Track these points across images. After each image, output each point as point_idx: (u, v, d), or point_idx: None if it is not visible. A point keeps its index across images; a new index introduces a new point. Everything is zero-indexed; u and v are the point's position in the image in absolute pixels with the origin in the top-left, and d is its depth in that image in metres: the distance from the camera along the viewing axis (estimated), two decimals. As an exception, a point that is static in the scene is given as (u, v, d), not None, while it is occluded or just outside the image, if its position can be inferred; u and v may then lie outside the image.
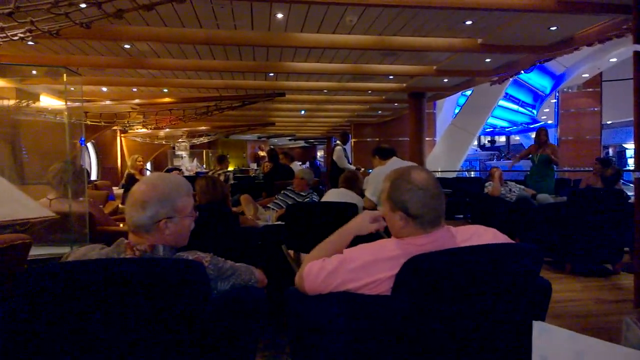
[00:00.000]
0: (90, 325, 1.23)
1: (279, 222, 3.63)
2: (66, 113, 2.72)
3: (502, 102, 19.70)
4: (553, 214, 4.72)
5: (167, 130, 12.26)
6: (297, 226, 3.26)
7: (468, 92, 14.56)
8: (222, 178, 6.55)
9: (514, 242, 1.41)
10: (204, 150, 18.29)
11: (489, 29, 5.48)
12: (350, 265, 1.30)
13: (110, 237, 1.53)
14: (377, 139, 14.22)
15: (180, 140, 14.75)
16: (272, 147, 18.36)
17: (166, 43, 5.76)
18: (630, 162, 18.68)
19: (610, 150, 22.20)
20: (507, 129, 27.49)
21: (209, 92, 9.18)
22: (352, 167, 8.23)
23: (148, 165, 14.28)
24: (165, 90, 9.06)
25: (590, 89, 13.43)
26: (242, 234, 2.86)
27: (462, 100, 16.35)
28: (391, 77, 8.16)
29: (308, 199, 4.38)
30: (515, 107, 22.02)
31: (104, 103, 8.49)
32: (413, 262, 1.22)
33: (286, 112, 12.66)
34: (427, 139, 10.28)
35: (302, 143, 25.64)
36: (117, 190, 7.64)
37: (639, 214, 3.45)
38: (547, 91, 17.85)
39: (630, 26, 4.21)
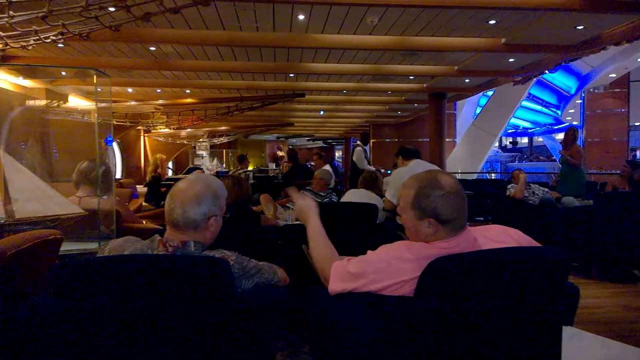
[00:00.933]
0: (123, 318, 1.27)
1: (298, 222, 3.66)
2: (95, 113, 2.80)
3: (525, 103, 19.34)
4: (578, 218, 4.62)
5: (189, 130, 12.45)
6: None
7: (490, 93, 14.36)
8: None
9: (539, 244, 1.40)
10: (224, 150, 18.49)
11: (513, 29, 5.40)
12: (373, 267, 1.30)
13: (136, 234, 1.57)
14: (396, 140, 14.16)
15: (201, 140, 14.95)
16: (290, 147, 18.43)
17: (190, 45, 5.86)
18: (659, 164, 18.07)
19: (638, 153, 21.59)
20: (529, 130, 27.00)
21: (230, 92, 9.29)
22: (372, 168, 8.20)
23: (170, 164, 14.51)
24: (188, 91, 9.20)
25: (618, 90, 13.11)
26: (264, 233, 2.89)
27: (483, 101, 16.13)
28: (411, 77, 8.12)
29: (327, 199, 4.40)
30: (538, 107, 21.59)
31: (129, 103, 8.68)
32: (437, 263, 1.22)
33: (305, 112, 12.71)
34: (447, 140, 10.18)
35: (320, 143, 25.66)
36: (141, 189, 7.78)
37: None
38: (572, 91, 17.46)
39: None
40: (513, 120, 21.07)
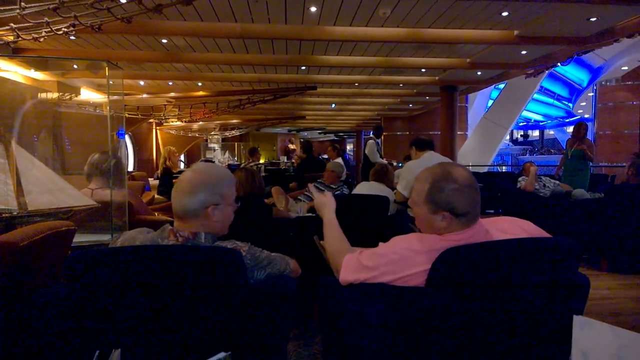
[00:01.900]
0: (134, 307, 1.29)
1: (310, 214, 3.67)
2: (108, 106, 2.82)
3: (536, 96, 19.11)
4: (589, 210, 4.59)
5: (201, 123, 12.49)
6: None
7: (501, 85, 14.20)
8: (253, 170, 6.64)
9: (550, 235, 1.39)
10: (236, 143, 18.54)
11: (526, 21, 5.33)
12: (386, 259, 1.31)
13: (148, 226, 1.58)
14: (408, 133, 14.09)
15: (212, 132, 15.00)
16: (302, 139, 18.42)
17: (202, 37, 5.87)
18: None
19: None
20: (541, 123, 26.71)
21: (242, 85, 9.30)
22: (384, 160, 8.16)
23: (182, 157, 14.60)
24: (200, 83, 9.22)
25: (630, 82, 12.87)
26: (276, 225, 2.91)
27: (495, 94, 15.98)
28: (423, 70, 8.06)
29: (339, 192, 4.40)
30: (550, 100, 21.34)
31: (141, 96, 8.73)
32: (448, 254, 1.23)
33: (317, 105, 12.69)
34: (458, 133, 10.10)
35: (331, 136, 25.64)
36: (153, 181, 7.85)
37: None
38: (584, 84, 17.21)
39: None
40: (524, 113, 20.86)
